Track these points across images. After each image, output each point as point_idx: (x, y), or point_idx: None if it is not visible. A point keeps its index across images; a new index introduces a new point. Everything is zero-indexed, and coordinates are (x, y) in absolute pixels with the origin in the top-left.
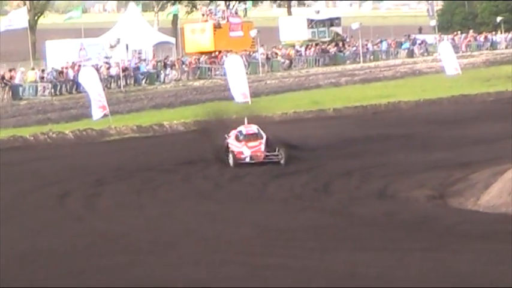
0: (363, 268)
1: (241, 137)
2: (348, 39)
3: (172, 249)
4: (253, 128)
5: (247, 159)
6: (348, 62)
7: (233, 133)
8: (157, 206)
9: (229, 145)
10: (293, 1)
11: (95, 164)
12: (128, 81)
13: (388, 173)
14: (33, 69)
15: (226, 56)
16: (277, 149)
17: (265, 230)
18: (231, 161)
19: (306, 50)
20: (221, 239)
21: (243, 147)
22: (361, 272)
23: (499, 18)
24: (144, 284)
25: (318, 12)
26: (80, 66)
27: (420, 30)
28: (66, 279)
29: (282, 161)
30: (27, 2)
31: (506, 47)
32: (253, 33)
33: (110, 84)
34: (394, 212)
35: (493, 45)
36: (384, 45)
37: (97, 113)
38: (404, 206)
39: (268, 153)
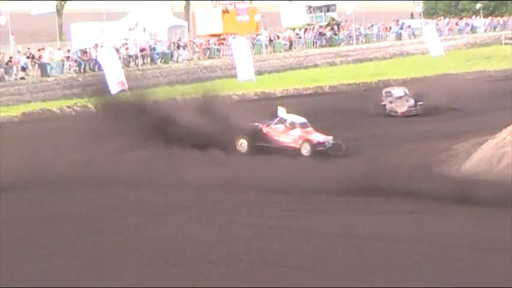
0: (356, 229)
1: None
2: (342, 24)
3: (184, 211)
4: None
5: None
6: (343, 44)
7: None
8: (171, 171)
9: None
10: None
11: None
12: (145, 61)
13: (379, 143)
14: (59, 49)
15: (233, 38)
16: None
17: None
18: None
19: (304, 33)
20: (229, 202)
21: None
22: (354, 232)
23: (478, 5)
24: (158, 242)
25: None
26: (102, 47)
27: (412, 16)
28: (87, 238)
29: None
30: None
31: (484, 31)
32: (257, 17)
33: (129, 63)
34: (384, 178)
35: (473, 30)
36: (375, 29)
37: (115, 88)
38: (393, 172)
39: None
